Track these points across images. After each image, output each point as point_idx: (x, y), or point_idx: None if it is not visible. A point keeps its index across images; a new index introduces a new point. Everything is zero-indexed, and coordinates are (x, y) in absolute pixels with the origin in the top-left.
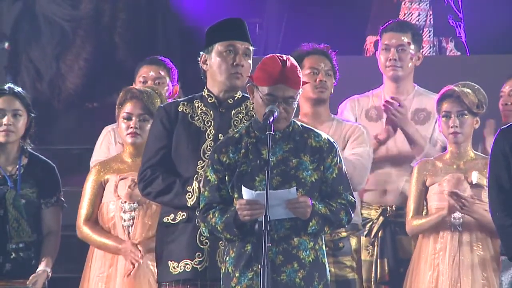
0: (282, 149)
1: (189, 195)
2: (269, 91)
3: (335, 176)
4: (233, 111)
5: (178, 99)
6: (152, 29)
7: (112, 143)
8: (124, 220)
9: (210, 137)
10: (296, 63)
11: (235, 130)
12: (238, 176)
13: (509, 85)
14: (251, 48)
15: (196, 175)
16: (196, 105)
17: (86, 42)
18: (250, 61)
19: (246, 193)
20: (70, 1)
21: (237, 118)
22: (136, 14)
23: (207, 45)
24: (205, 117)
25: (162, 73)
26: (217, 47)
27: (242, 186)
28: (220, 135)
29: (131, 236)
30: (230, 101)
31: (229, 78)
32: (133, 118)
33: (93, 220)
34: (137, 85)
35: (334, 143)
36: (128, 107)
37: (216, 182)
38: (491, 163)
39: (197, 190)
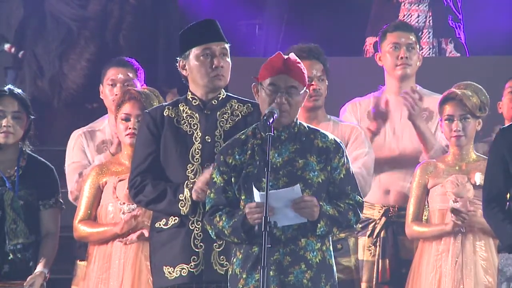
0: (288, 150)
1: (181, 203)
2: (271, 81)
3: (342, 176)
4: (218, 112)
5: (163, 104)
6: (156, 31)
7: (85, 146)
8: None
9: (198, 140)
10: (299, 60)
11: (241, 132)
12: (245, 178)
13: None
14: (227, 46)
15: (186, 181)
16: (181, 108)
17: (90, 42)
18: (229, 59)
19: (257, 194)
20: (78, 1)
21: (222, 119)
22: (142, 17)
23: (183, 50)
24: (191, 120)
25: (130, 75)
26: (194, 51)
27: (253, 188)
28: (207, 137)
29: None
30: (215, 102)
31: (211, 80)
32: (132, 119)
33: (91, 220)
34: (106, 88)
35: (340, 144)
36: (126, 108)
37: (222, 184)
38: (488, 163)
39: (189, 198)
